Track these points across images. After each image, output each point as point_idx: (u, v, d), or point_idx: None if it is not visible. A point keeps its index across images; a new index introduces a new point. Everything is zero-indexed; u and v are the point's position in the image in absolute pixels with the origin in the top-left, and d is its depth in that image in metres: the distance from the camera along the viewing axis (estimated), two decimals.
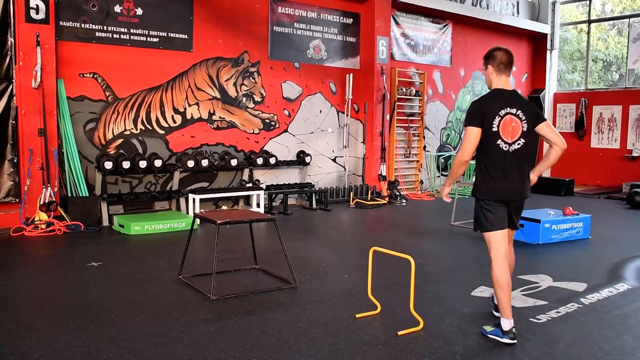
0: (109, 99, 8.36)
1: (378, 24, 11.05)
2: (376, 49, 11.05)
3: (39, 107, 7.48)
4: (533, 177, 4.12)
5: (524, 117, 3.86)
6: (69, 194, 7.80)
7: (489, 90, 4.02)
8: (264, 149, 9.97)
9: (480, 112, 3.83)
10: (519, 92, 4.31)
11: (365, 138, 11.35)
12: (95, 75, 8.23)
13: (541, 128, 3.93)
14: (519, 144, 3.85)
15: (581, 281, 5.36)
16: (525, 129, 3.86)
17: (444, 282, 5.32)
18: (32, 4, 7.41)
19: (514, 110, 3.84)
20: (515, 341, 3.77)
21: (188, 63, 9.03)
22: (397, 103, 11.56)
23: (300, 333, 3.90)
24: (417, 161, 12.25)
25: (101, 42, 8.21)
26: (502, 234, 3.89)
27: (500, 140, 3.82)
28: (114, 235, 7.33)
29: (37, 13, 7.46)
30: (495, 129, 3.81)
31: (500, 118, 3.81)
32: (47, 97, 7.55)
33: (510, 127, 3.83)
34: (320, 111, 10.79)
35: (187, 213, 8.63)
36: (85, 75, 8.15)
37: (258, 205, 9.14)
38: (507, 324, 3.79)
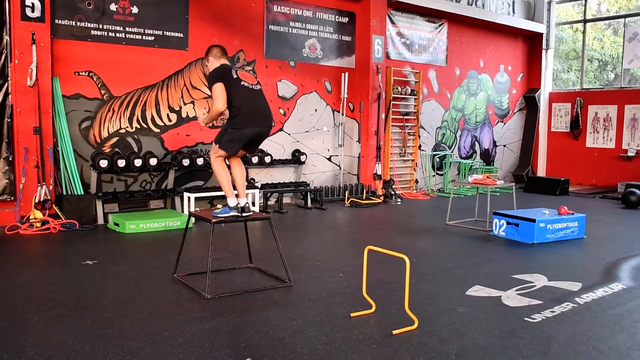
0: (105, 97, 8.35)
1: (374, 23, 11.06)
2: (372, 48, 11.06)
3: (35, 105, 7.47)
4: None
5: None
6: (64, 192, 7.79)
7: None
8: (259, 147, 9.94)
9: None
10: None
11: (360, 137, 11.36)
12: (90, 74, 8.21)
13: None
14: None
15: (576, 281, 5.38)
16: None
17: (438, 281, 5.32)
18: (28, 2, 7.39)
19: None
20: (239, 214, 5.12)
21: (183, 61, 9.02)
22: (392, 102, 11.57)
23: (295, 332, 3.90)
24: (413, 160, 12.26)
25: (97, 40, 8.19)
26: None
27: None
28: (109, 234, 7.32)
29: (33, 11, 7.44)
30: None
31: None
32: (42, 95, 7.53)
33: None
34: (316, 110, 10.79)
35: (182, 211, 8.62)
36: (80, 73, 8.13)
37: (253, 204, 9.13)
38: (231, 201, 5.14)
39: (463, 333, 3.95)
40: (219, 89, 4.96)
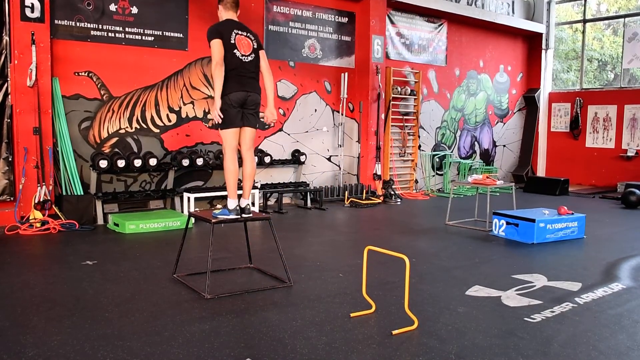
0: (104, 97, 8.35)
1: (373, 23, 11.06)
2: (371, 48, 11.06)
3: (34, 105, 7.46)
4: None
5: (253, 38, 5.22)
6: (64, 193, 7.79)
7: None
8: (259, 147, 9.97)
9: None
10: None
11: (360, 137, 11.36)
12: (90, 74, 8.21)
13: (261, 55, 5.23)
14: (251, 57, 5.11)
15: (576, 281, 5.38)
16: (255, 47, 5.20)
17: (438, 281, 5.32)
18: (28, 2, 7.38)
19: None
20: (238, 216, 5.08)
21: (183, 62, 9.02)
22: (392, 102, 11.57)
23: (294, 332, 3.90)
24: (412, 160, 12.27)
25: (96, 40, 8.19)
26: (235, 131, 5.04)
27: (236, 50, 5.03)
28: (109, 234, 7.32)
29: (33, 11, 7.44)
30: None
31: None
32: (42, 96, 7.53)
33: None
34: (315, 110, 10.79)
35: (182, 212, 8.62)
36: (80, 73, 8.13)
37: (253, 204, 9.13)
38: (231, 203, 5.06)
39: (463, 333, 3.95)
40: (217, 45, 4.94)
